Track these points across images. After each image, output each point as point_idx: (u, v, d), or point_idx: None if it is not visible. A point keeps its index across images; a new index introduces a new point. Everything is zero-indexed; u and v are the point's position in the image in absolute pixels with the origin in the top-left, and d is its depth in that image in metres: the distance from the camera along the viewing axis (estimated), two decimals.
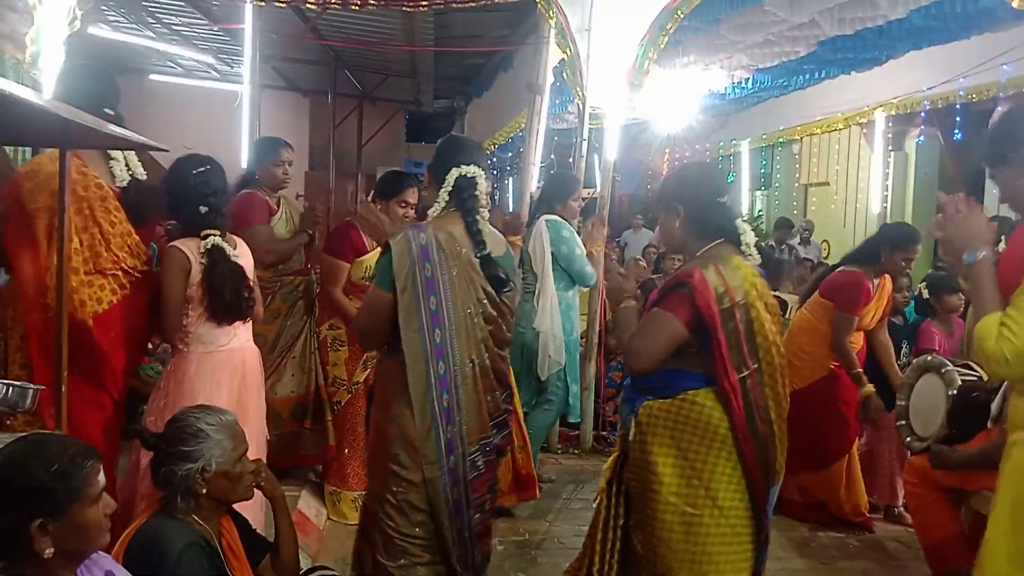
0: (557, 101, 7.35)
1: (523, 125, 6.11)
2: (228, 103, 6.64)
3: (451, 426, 2.33)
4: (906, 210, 9.29)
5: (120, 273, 2.79)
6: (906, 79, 7.93)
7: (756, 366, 2.18)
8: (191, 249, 2.77)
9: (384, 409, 2.41)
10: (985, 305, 1.90)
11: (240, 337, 2.88)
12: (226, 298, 2.78)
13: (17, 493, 1.54)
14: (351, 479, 3.90)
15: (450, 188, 2.42)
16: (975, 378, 3.58)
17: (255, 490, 2.20)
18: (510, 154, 9.96)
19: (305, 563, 3.30)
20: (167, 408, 2.64)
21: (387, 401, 2.40)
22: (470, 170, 2.43)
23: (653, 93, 7.14)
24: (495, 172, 12.10)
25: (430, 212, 2.48)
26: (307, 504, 4.01)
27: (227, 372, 2.81)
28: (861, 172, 9.82)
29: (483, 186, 2.46)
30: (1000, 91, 7.01)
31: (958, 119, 7.69)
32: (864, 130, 9.34)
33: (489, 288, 2.40)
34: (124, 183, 2.86)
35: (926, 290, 4.44)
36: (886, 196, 9.11)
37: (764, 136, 11.23)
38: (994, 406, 3.14)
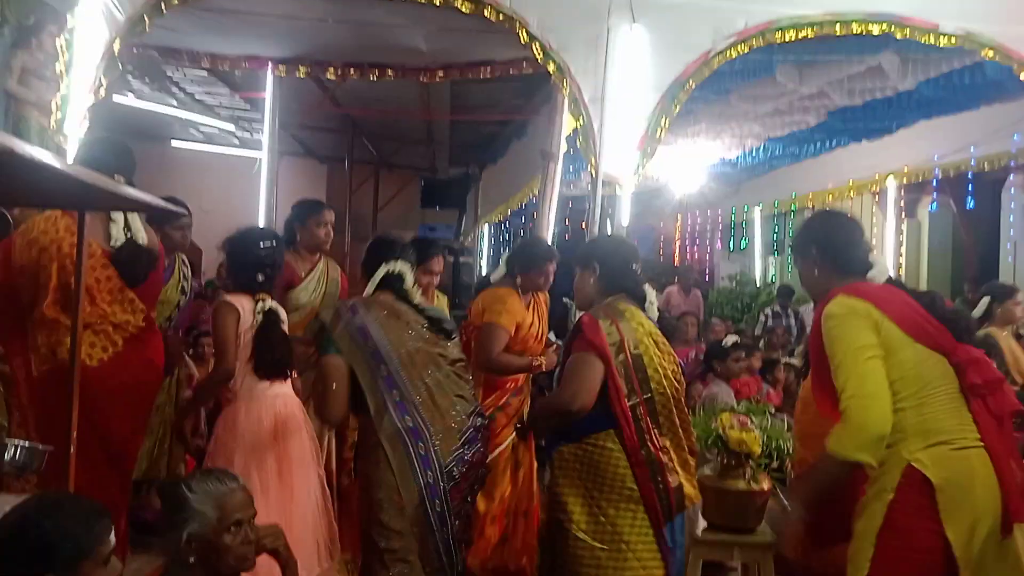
0: (571, 168, 7.45)
1: (536, 191, 6.18)
2: (247, 169, 6.79)
3: (421, 443, 2.54)
4: (920, 277, 9.26)
5: (110, 328, 2.88)
6: (918, 148, 7.97)
7: (647, 396, 2.47)
8: (243, 305, 2.99)
9: (365, 458, 2.62)
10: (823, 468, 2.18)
11: (281, 387, 3.07)
12: (275, 357, 3.01)
13: (30, 549, 1.60)
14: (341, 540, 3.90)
15: (378, 280, 2.76)
16: None
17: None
18: (523, 219, 10.05)
19: None
20: (215, 454, 2.90)
21: (367, 449, 2.61)
22: (396, 266, 2.77)
23: (665, 160, 7.23)
24: (508, 237, 12.20)
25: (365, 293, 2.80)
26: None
27: (270, 414, 2.98)
28: (874, 240, 9.81)
29: (409, 280, 2.79)
30: (1011, 160, 7.05)
31: (970, 187, 7.72)
32: (876, 198, 9.37)
33: (423, 322, 2.71)
34: (117, 243, 2.95)
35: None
36: (900, 263, 9.08)
37: (776, 203, 11.29)
38: None
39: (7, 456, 2.35)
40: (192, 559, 2.03)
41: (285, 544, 2.24)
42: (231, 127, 9.38)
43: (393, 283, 2.77)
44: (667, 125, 5.09)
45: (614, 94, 5.10)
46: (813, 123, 7.18)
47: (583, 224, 5.74)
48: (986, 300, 4.52)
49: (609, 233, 5.53)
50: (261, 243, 3.09)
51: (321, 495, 3.01)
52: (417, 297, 2.79)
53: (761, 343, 7.06)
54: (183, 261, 4.09)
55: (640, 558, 2.46)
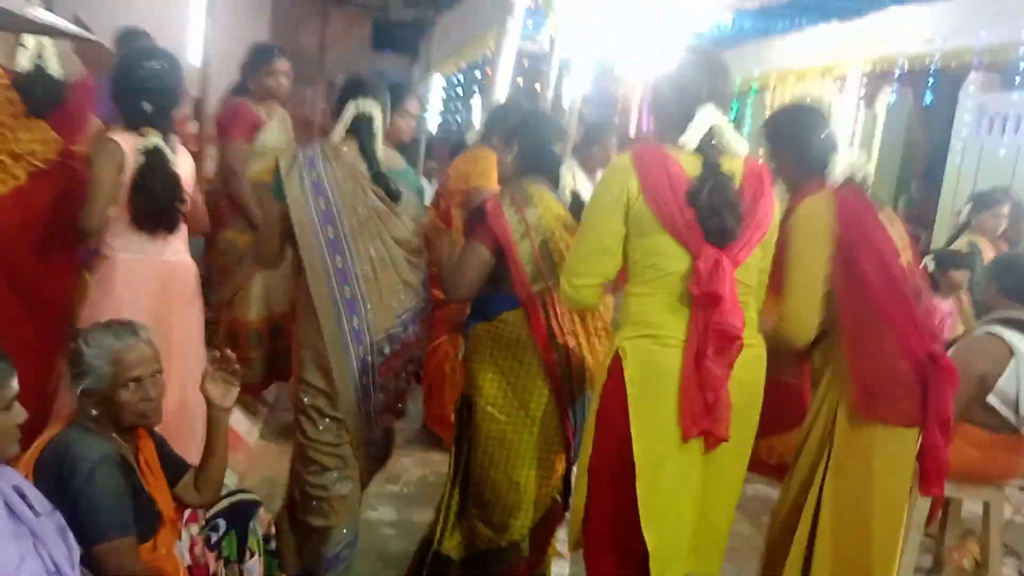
0: (529, 23, 7.08)
1: (492, 45, 5.87)
2: None
3: (356, 317, 2.50)
4: (869, 169, 9.30)
5: (8, 160, 2.61)
6: (885, 37, 7.82)
7: (554, 281, 2.40)
8: (128, 144, 2.62)
9: (295, 316, 2.60)
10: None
11: (172, 247, 2.76)
12: (154, 206, 2.67)
13: None
14: None
15: (347, 121, 2.57)
16: None
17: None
18: (477, 73, 9.65)
19: (232, 480, 3.26)
20: (89, 318, 2.56)
21: (298, 310, 2.61)
22: (367, 104, 2.58)
23: (631, 28, 6.94)
24: (461, 90, 11.77)
25: (331, 138, 2.61)
26: (238, 421, 3.94)
27: (154, 284, 2.68)
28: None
29: (379, 121, 2.61)
30: (974, 56, 6.96)
31: (930, 82, 7.65)
32: (839, 84, 9.24)
33: (376, 187, 2.56)
34: (22, 69, 2.68)
35: (931, 263, 4.56)
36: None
37: (739, 81, 11.05)
38: None
39: None
40: (94, 412, 1.98)
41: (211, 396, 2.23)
42: None
43: (361, 128, 2.58)
44: None
45: None
46: None
47: (537, 84, 5.51)
48: (968, 207, 4.60)
49: (541, 103, 5.30)
50: (144, 63, 2.69)
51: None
52: (380, 150, 2.61)
53: None
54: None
55: (545, 434, 2.52)
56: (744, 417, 2.09)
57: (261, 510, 2.32)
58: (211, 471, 2.27)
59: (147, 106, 2.65)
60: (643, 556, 2.01)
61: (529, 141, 2.63)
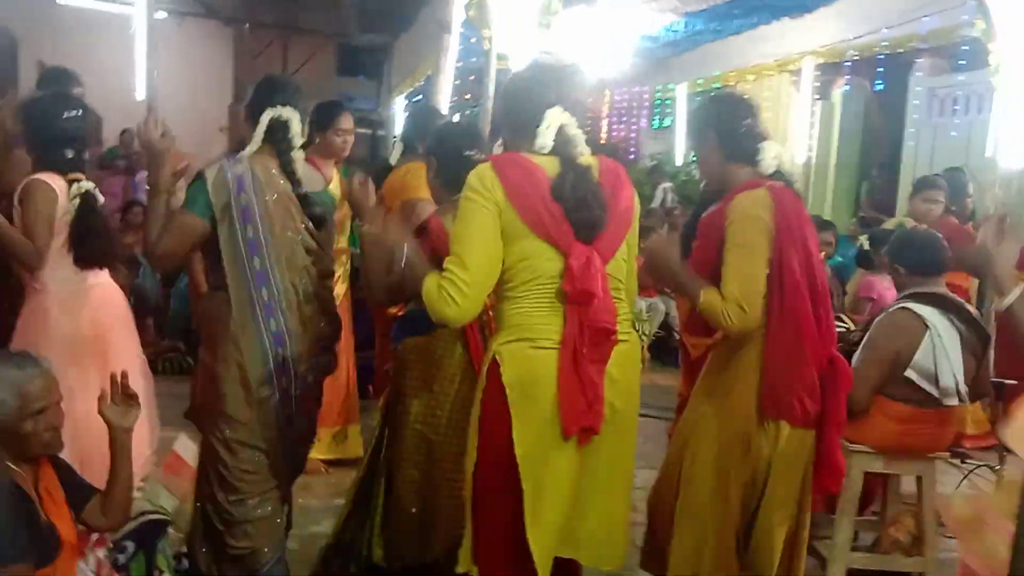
0: (472, 40, 7.17)
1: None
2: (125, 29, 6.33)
3: (281, 349, 2.45)
4: (830, 160, 9.38)
5: None
6: (834, 28, 7.92)
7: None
8: (59, 187, 2.72)
9: (212, 349, 2.47)
10: (692, 288, 2.29)
11: (101, 275, 2.86)
12: (96, 248, 2.79)
13: None
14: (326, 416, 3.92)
15: (264, 129, 2.46)
16: (842, 329, 3.65)
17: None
18: (421, 97, 9.63)
19: (171, 505, 3.27)
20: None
21: (214, 340, 2.48)
22: (284, 112, 2.47)
23: (577, 34, 7.02)
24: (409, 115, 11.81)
25: (245, 151, 2.48)
26: (183, 446, 3.94)
27: (88, 306, 2.80)
28: (790, 121, 9.84)
29: (296, 128, 2.50)
30: (920, 42, 7.04)
31: (880, 69, 7.73)
32: (794, 78, 9.34)
33: (307, 221, 2.49)
34: None
35: (867, 242, 4.65)
36: (810, 145, 9.16)
37: (700, 81, 11.15)
38: (855, 358, 3.22)
39: None
40: None
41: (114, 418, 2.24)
42: None
43: (276, 134, 2.47)
44: None
45: None
46: None
47: (467, 96, 5.57)
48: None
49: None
50: (64, 114, 2.79)
51: (144, 383, 2.93)
52: (299, 160, 2.53)
53: (664, 225, 7.13)
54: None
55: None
56: (622, 412, 2.09)
57: (170, 529, 2.35)
58: (116, 494, 2.28)
59: (69, 152, 2.76)
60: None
61: (443, 155, 2.56)
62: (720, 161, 2.38)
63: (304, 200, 2.48)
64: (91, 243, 2.76)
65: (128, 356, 2.93)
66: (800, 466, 2.35)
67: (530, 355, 2.01)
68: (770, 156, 2.34)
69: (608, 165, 2.12)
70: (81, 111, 2.83)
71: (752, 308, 2.21)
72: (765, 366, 2.27)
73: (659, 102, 12.49)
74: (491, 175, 2.01)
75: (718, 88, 11.09)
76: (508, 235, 2.01)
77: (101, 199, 2.85)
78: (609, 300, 2.02)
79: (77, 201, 2.73)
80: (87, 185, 2.77)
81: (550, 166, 2.04)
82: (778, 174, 2.36)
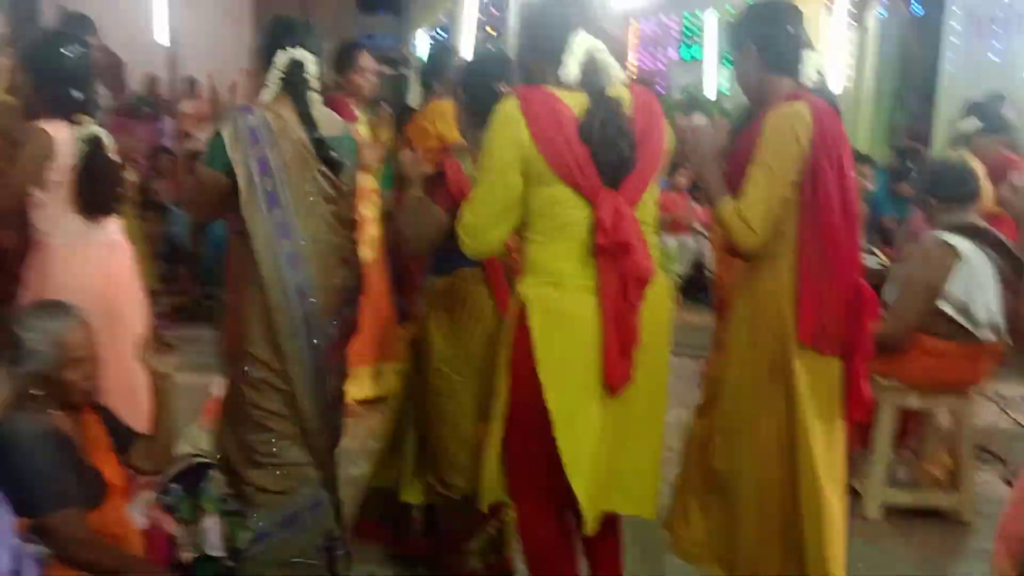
0: None
1: None
2: None
3: (304, 300, 2.42)
4: (863, 88, 9.10)
5: None
6: None
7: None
8: (61, 133, 2.61)
9: (237, 291, 2.51)
10: (714, 191, 2.23)
11: (108, 229, 2.81)
12: (100, 193, 2.70)
13: None
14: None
15: (279, 73, 2.39)
16: (876, 265, 3.60)
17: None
18: (443, 33, 9.31)
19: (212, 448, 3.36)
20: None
21: (240, 282, 2.50)
22: (297, 53, 2.39)
23: None
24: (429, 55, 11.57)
25: (260, 97, 2.43)
26: (223, 389, 4.03)
27: (95, 266, 2.74)
28: (824, 48, 9.53)
29: (312, 69, 2.43)
30: None
31: None
32: (827, 3, 9.00)
33: (324, 168, 2.44)
34: None
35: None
36: (845, 74, 8.88)
37: (729, 7, 10.79)
38: (885, 292, 3.18)
39: None
40: (32, 392, 2.06)
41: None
42: None
43: (294, 77, 2.39)
44: None
45: None
46: None
47: (488, 29, 5.44)
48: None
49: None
50: (65, 49, 2.63)
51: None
52: (317, 103, 2.45)
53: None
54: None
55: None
56: (654, 354, 2.07)
57: (214, 472, 2.41)
58: (159, 438, 2.36)
59: (76, 94, 2.63)
60: (566, 494, 2.01)
61: (472, 89, 2.45)
62: (760, 72, 2.25)
63: (319, 145, 2.43)
64: (95, 190, 2.66)
65: (137, 314, 2.87)
66: (835, 396, 2.29)
67: (557, 298, 1.99)
68: (812, 66, 2.23)
69: (642, 97, 2.05)
70: (83, 49, 2.69)
71: (761, 230, 2.13)
72: (799, 288, 2.19)
73: (688, 32, 12.13)
74: (518, 116, 1.96)
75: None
76: (532, 178, 1.97)
77: (110, 143, 2.72)
78: (646, 246, 1.97)
79: (83, 146, 2.62)
80: (94, 129, 2.64)
81: (578, 102, 1.98)
82: (820, 87, 2.27)
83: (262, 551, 2.46)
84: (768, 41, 2.23)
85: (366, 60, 3.79)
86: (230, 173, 2.37)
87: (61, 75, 2.64)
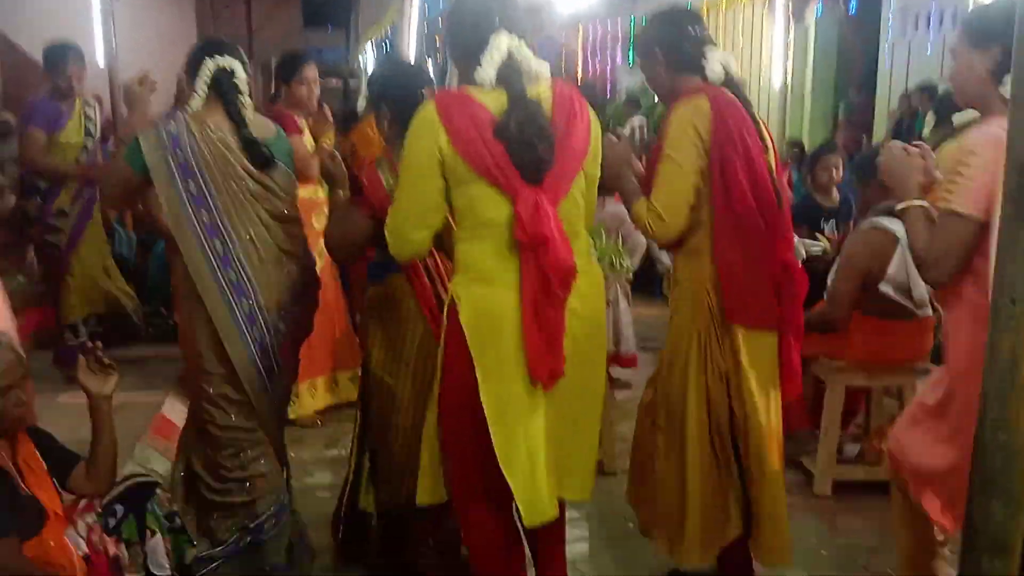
0: None
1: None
2: None
3: (245, 299, 2.44)
4: (806, 85, 9.30)
5: None
6: None
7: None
8: None
9: (181, 308, 2.52)
10: (630, 196, 2.35)
11: None
12: None
13: None
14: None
15: (207, 79, 2.42)
16: (817, 250, 3.67)
17: None
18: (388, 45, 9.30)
19: (163, 468, 3.29)
20: None
21: (182, 299, 2.51)
22: (224, 61, 2.44)
23: None
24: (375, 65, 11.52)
25: (189, 105, 2.45)
26: (171, 407, 3.97)
27: None
28: (764, 46, 9.72)
29: (241, 75, 2.47)
30: None
31: None
32: (767, 3, 9.19)
33: (251, 168, 2.46)
34: None
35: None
36: (787, 69, 9.05)
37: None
38: (830, 277, 3.24)
39: None
40: None
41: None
42: None
43: (223, 84, 2.43)
44: None
45: None
46: None
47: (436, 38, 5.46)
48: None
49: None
50: None
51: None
52: (250, 112, 2.48)
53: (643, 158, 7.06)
54: (86, 102, 4.03)
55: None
56: (588, 346, 2.09)
57: (159, 490, 2.36)
58: (100, 459, 2.29)
59: None
60: (510, 495, 2.00)
61: (396, 100, 2.45)
62: (668, 73, 2.35)
63: (250, 144, 2.44)
64: None
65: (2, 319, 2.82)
66: (771, 369, 2.36)
67: (486, 295, 2.00)
68: (716, 62, 2.31)
69: (563, 95, 2.05)
70: None
71: (673, 218, 2.25)
72: (717, 270, 2.28)
73: (634, 37, 12.28)
74: (435, 119, 1.96)
75: None
76: (454, 179, 1.98)
77: None
78: (565, 239, 1.97)
79: None
80: None
81: (496, 102, 1.97)
82: (727, 81, 2.33)
83: (228, 566, 2.51)
84: (672, 44, 2.33)
85: (310, 71, 3.76)
86: (144, 176, 2.41)
87: None
